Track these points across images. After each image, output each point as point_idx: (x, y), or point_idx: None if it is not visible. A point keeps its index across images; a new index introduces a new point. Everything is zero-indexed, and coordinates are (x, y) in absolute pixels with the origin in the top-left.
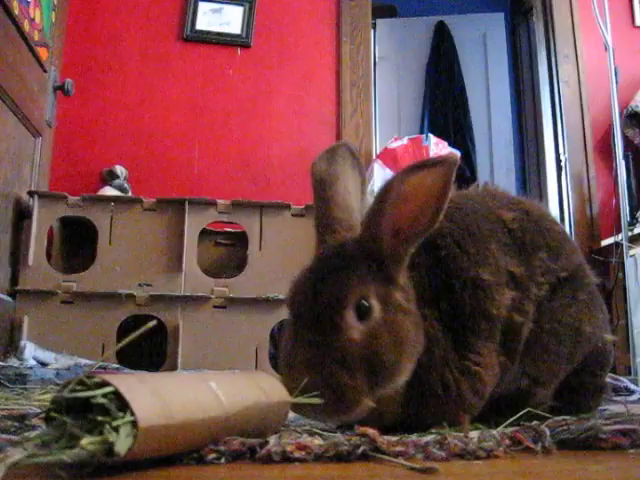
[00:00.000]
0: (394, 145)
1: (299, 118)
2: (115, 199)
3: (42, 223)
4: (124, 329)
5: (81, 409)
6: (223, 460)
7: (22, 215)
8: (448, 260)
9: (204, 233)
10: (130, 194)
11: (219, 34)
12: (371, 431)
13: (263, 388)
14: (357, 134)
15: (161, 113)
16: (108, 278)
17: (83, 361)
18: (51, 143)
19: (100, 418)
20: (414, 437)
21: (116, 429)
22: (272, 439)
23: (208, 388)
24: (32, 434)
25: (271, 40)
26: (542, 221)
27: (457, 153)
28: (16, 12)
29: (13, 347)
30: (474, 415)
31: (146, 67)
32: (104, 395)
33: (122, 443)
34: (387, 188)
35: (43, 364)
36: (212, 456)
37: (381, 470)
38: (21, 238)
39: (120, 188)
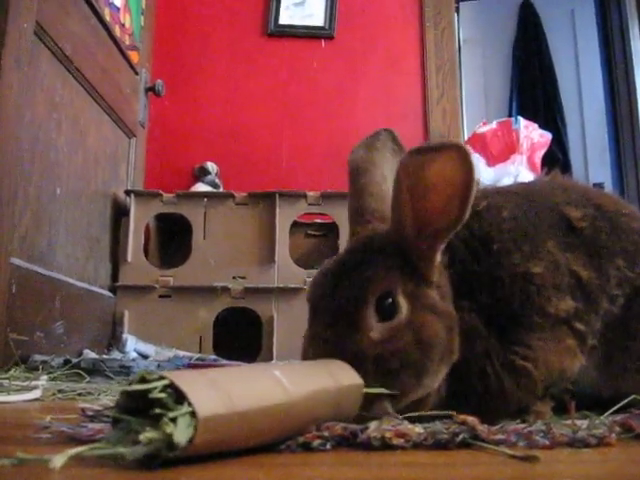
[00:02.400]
0: (483, 130)
1: (385, 106)
2: (208, 195)
3: (139, 220)
4: (220, 321)
5: (146, 408)
6: (328, 446)
7: (120, 213)
8: (500, 254)
9: (295, 225)
10: (222, 189)
11: (302, 27)
12: (470, 419)
13: (332, 373)
14: (444, 119)
15: (249, 108)
16: (203, 272)
17: (182, 353)
18: (144, 143)
19: (158, 411)
20: (516, 425)
21: (174, 421)
22: (372, 424)
23: (271, 376)
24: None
25: (354, 30)
26: (617, 218)
27: (548, 135)
28: (107, 19)
29: (115, 340)
30: (522, 409)
31: (233, 64)
32: (162, 389)
33: (181, 434)
34: (399, 179)
35: (144, 356)
36: (317, 442)
37: (484, 458)
38: (120, 236)
39: (212, 184)
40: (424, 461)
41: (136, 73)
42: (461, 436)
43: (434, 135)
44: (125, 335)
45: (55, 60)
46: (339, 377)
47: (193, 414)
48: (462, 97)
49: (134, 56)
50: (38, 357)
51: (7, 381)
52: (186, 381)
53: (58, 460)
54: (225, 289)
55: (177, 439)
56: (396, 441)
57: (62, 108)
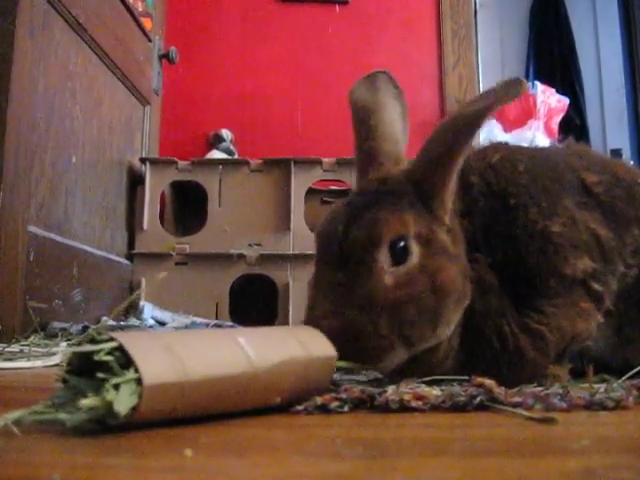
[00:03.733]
0: None
1: (401, 72)
2: (223, 162)
3: (154, 188)
4: (236, 288)
5: (96, 369)
6: (346, 408)
7: (135, 181)
8: (518, 210)
9: (310, 191)
10: (237, 156)
11: None
12: (488, 382)
13: (303, 342)
14: (460, 85)
15: (263, 75)
16: (219, 239)
17: (199, 320)
18: (159, 110)
19: (102, 376)
20: (534, 388)
21: (117, 387)
22: (390, 388)
23: (234, 343)
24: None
25: None
26: (633, 187)
27: (565, 100)
28: None
29: (133, 307)
30: (537, 372)
31: (246, 30)
32: (110, 352)
33: (122, 402)
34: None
35: (161, 323)
36: (335, 404)
37: (502, 420)
38: (135, 204)
39: (227, 151)
40: (442, 422)
41: (149, 40)
42: (478, 398)
43: (450, 101)
44: (142, 302)
45: (69, 28)
46: (310, 347)
47: (140, 381)
48: (478, 62)
49: (147, 23)
50: (57, 324)
51: (27, 347)
52: (136, 344)
53: None
54: (241, 256)
55: (117, 408)
56: (414, 403)
57: (76, 77)
